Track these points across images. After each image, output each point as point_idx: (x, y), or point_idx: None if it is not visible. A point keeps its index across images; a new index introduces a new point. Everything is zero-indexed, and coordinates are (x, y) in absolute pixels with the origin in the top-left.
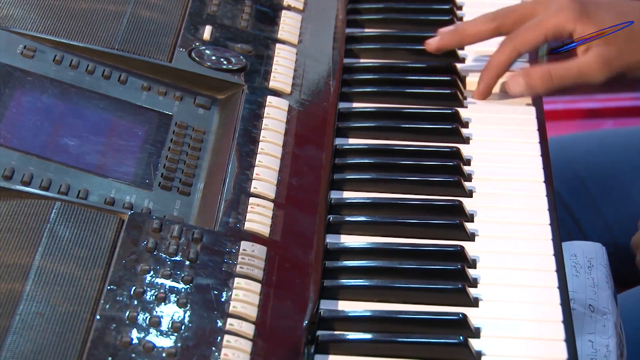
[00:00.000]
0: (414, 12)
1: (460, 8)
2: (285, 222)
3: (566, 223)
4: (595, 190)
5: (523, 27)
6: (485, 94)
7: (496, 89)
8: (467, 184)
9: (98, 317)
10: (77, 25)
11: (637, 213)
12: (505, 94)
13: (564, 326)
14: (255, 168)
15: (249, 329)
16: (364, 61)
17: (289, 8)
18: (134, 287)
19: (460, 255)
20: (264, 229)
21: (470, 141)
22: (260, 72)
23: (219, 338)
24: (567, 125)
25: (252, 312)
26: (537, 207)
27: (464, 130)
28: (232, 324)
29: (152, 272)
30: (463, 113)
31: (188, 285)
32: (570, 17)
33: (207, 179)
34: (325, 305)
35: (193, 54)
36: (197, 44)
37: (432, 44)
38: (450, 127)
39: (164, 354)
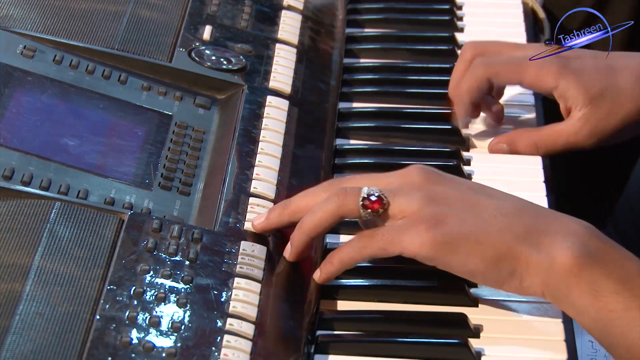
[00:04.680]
0: (414, 12)
1: (460, 8)
2: None
3: None
4: None
5: (505, 59)
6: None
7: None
8: None
9: (98, 317)
10: (77, 25)
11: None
12: (504, 95)
13: (564, 326)
14: (255, 168)
15: (249, 329)
16: (364, 61)
17: (289, 8)
18: (134, 287)
19: None
20: None
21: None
22: (260, 72)
23: (219, 338)
24: None
25: (252, 312)
26: None
27: (463, 131)
28: (232, 324)
29: (152, 272)
30: None
31: (188, 285)
32: (550, 73)
33: (207, 179)
34: (325, 305)
35: (193, 54)
36: (197, 44)
37: None
38: (450, 127)
39: (163, 354)
